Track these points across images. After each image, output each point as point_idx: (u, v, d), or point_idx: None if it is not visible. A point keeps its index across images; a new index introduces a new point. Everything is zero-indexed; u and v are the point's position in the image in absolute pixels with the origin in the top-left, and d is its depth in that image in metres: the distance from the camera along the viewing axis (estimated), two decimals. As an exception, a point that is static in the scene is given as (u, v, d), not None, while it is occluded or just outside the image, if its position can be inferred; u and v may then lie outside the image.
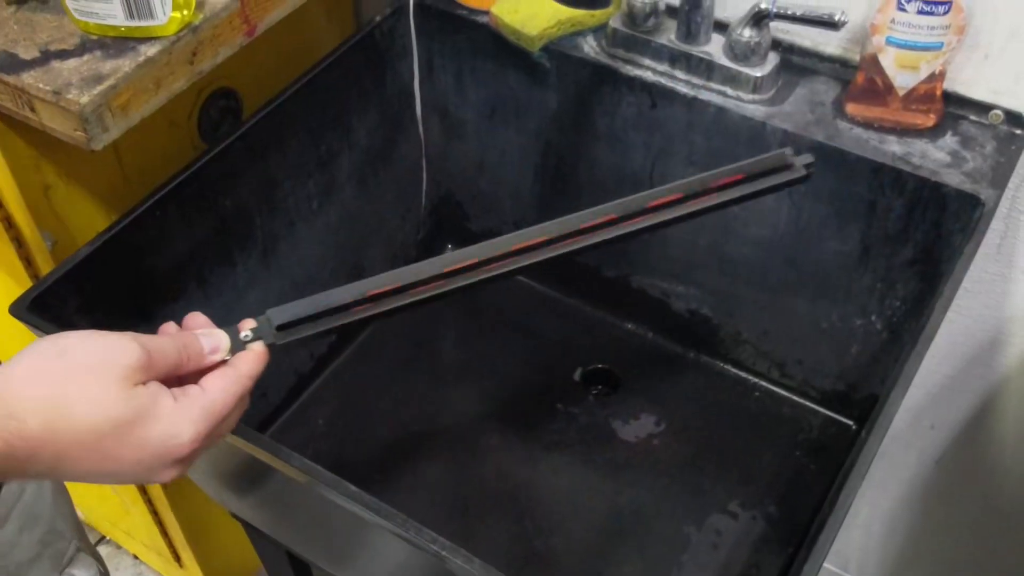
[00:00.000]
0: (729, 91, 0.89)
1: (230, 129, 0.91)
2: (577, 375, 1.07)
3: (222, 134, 0.93)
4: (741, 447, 1.00)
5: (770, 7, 0.83)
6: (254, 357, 0.57)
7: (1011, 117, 0.85)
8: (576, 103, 0.96)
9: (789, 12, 0.83)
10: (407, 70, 1.03)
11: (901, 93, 0.84)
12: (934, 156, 0.83)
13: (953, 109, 0.87)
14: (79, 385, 0.49)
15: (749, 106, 0.88)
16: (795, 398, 1.04)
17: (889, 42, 0.82)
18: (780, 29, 0.90)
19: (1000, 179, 0.81)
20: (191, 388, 0.54)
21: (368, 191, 1.04)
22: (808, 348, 1.00)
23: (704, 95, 0.89)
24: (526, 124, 1.02)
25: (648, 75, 0.91)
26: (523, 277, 1.14)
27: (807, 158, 0.70)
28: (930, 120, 0.86)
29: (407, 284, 0.64)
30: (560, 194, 1.05)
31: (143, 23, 0.78)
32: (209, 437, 0.53)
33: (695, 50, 0.89)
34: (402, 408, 1.05)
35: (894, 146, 0.84)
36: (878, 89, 0.85)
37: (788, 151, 0.70)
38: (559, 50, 0.94)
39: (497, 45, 0.97)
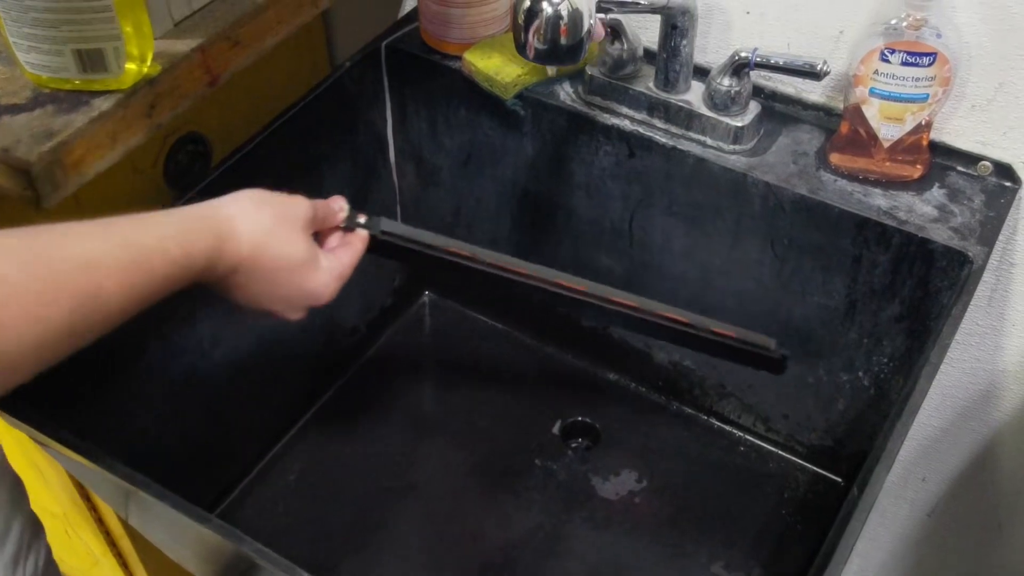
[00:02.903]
0: (709, 141, 0.86)
1: (198, 176, 0.88)
2: (556, 428, 1.03)
3: (191, 181, 0.90)
4: (725, 504, 0.97)
5: (750, 56, 0.80)
6: (363, 240, 0.72)
7: (1000, 169, 0.82)
8: (552, 151, 0.93)
9: (770, 61, 0.80)
10: (379, 116, 1.00)
11: (886, 145, 0.81)
12: (921, 210, 0.80)
13: (940, 160, 0.84)
14: (279, 230, 0.63)
15: (730, 157, 0.85)
16: (781, 453, 1.01)
17: (873, 93, 0.79)
18: (762, 75, 0.88)
19: (989, 235, 0.78)
20: (331, 256, 0.69)
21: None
22: (794, 402, 0.97)
23: (683, 145, 0.86)
24: (502, 172, 0.99)
25: (626, 124, 0.88)
26: (501, 324, 1.11)
27: (786, 352, 0.79)
28: (916, 171, 0.83)
29: (497, 264, 0.77)
30: (538, 243, 1.02)
31: (97, 76, 0.75)
32: (336, 293, 0.69)
33: (674, 98, 0.86)
34: (376, 462, 1.01)
35: (879, 199, 0.81)
36: (862, 140, 0.82)
37: (773, 343, 0.79)
38: (534, 97, 0.92)
39: (471, 91, 0.94)
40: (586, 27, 0.74)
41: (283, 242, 0.64)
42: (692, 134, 0.86)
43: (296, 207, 0.66)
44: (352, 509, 0.97)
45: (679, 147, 0.86)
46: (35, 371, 0.50)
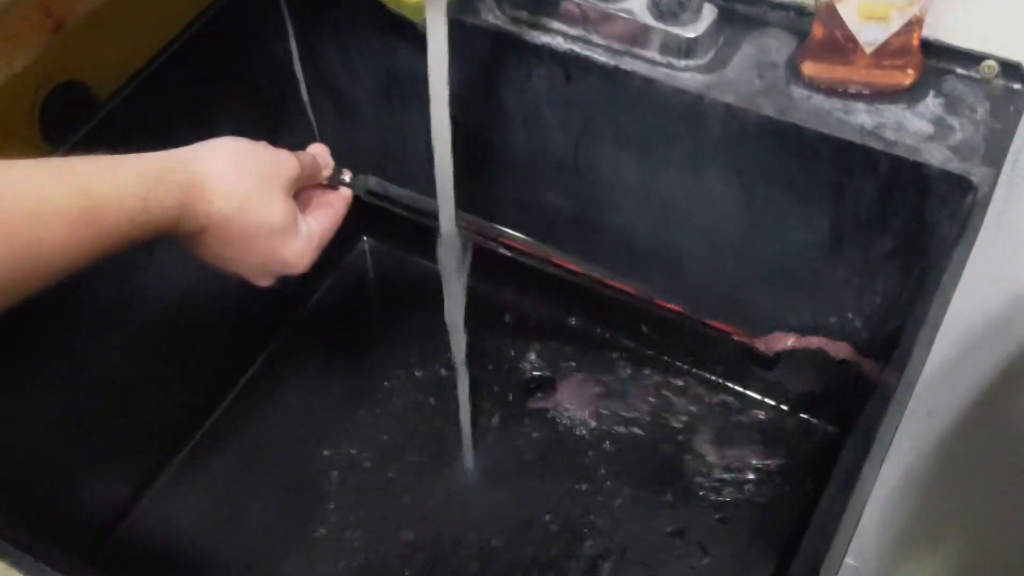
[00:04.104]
0: (657, 57, 0.72)
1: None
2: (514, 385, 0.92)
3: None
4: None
5: (698, -49, 0.66)
6: (345, 202, 0.66)
7: (1007, 69, 0.68)
8: (479, 78, 0.80)
9: (723, -45, 0.66)
10: (282, 47, 0.86)
11: (868, 50, 0.67)
12: (913, 127, 0.67)
13: (935, 62, 0.70)
14: (259, 191, 0.56)
15: (683, 75, 0.71)
16: (768, 401, 0.89)
17: (848, -12, 0.65)
18: (719, -28, 0.73)
19: (996, 153, 0.65)
20: (311, 221, 0.61)
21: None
22: (777, 347, 0.85)
23: (627, 63, 0.72)
24: (428, 104, 0.85)
25: (559, 42, 0.74)
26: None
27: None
28: (907, 78, 0.69)
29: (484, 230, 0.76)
30: (475, 181, 0.88)
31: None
32: (312, 263, 0.61)
33: (612, 7, 0.72)
34: (315, 438, 0.91)
35: (863, 116, 0.68)
36: (840, 44, 0.68)
37: None
38: (452, 16, 0.77)
39: (381, 14, 0.80)
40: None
41: (262, 205, 0.57)
42: (637, 50, 0.72)
43: (282, 166, 0.59)
44: (289, 494, 0.87)
45: (622, 66, 0.72)
46: None
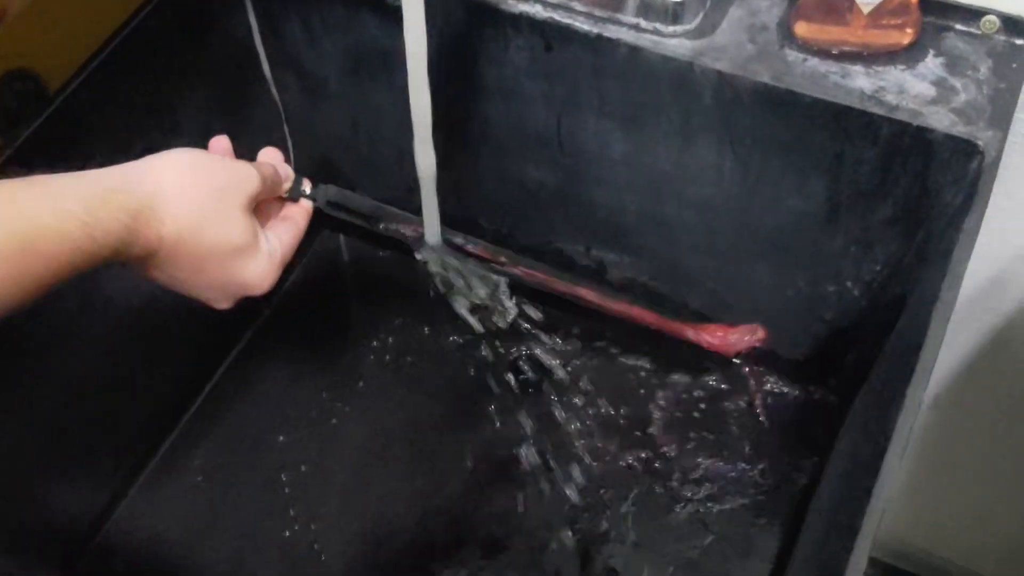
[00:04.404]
0: (643, 23, 0.68)
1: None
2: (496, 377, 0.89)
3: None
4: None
5: (684, -90, 0.62)
6: (306, 215, 0.62)
7: (1009, 24, 0.65)
8: (454, 50, 0.75)
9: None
10: (241, 23, 0.81)
11: (866, 10, 0.63)
12: (914, 89, 0.64)
13: (933, 19, 0.67)
14: (217, 209, 0.52)
15: (670, 41, 0.67)
16: (761, 370, 0.87)
17: (845, -55, 0.61)
18: (703, -70, 0.69)
19: (1001, 114, 0.62)
20: (272, 238, 0.57)
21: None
22: (772, 318, 0.82)
23: (611, 31, 0.68)
24: (400, 78, 0.79)
25: (538, 10, 0.70)
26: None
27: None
28: (906, 37, 0.65)
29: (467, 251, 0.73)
30: (453, 158, 0.84)
31: None
32: (276, 282, 0.57)
33: (594, -28, 0.68)
34: (294, 433, 0.87)
35: (861, 80, 0.64)
36: (835, 3, 0.65)
37: None
38: (423, -14, 0.73)
39: (345, -15, 0.75)
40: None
41: (219, 224, 0.53)
42: (621, 16, 0.68)
43: (241, 180, 0.55)
44: (268, 493, 0.84)
45: (605, 34, 0.68)
46: None
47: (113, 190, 0.48)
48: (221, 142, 0.60)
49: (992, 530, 1.11)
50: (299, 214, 0.61)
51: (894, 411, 0.51)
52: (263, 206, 0.59)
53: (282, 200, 0.62)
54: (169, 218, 0.50)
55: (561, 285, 0.80)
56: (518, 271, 0.77)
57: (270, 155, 0.63)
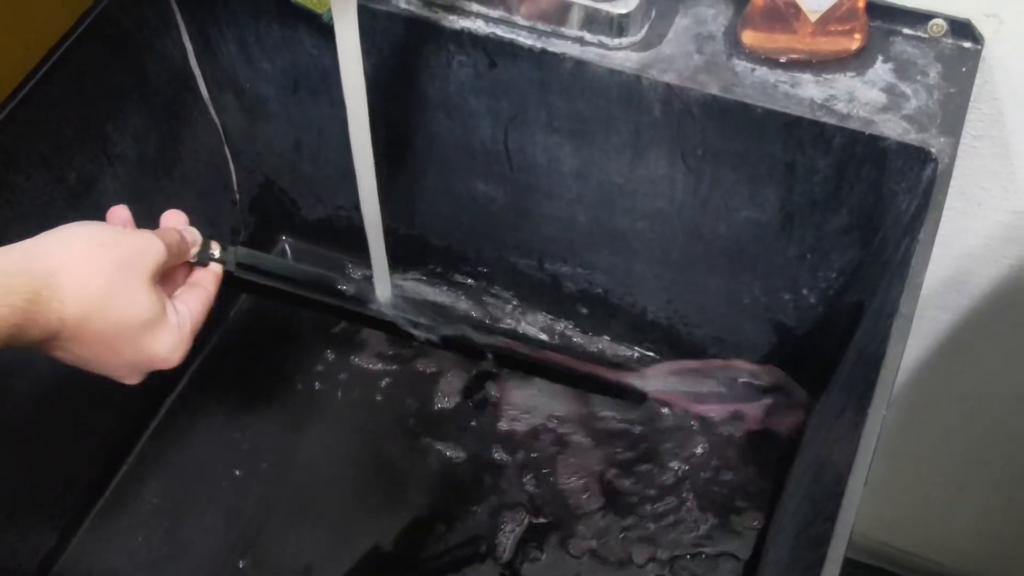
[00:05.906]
0: (587, 36, 0.67)
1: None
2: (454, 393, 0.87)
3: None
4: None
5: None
6: (216, 279, 0.59)
7: (956, 27, 0.65)
8: (395, 68, 0.73)
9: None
10: (175, 44, 0.79)
11: (813, 18, 0.62)
12: (865, 96, 0.63)
13: (880, 23, 0.66)
14: (120, 284, 0.49)
15: (616, 55, 0.66)
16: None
17: (789, -48, 0.60)
18: (645, -62, 0.68)
19: (953, 119, 0.62)
20: (180, 307, 0.54)
21: (152, 208, 0.80)
22: (728, 325, 0.81)
23: (555, 45, 0.67)
24: (340, 96, 0.78)
25: (479, 25, 0.68)
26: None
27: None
28: (854, 43, 0.65)
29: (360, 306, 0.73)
30: (399, 174, 0.83)
31: None
32: (187, 353, 0.54)
33: (536, -15, 0.66)
34: (250, 459, 0.85)
35: (811, 88, 0.64)
36: (781, 11, 0.64)
37: None
38: (360, 3, 0.70)
39: (280, 6, 0.73)
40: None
41: (124, 300, 0.50)
42: (564, 30, 0.67)
43: (144, 251, 0.51)
44: (221, 523, 0.82)
45: (550, 48, 0.67)
46: None
47: (5, 273, 0.45)
48: (120, 212, 0.57)
49: (951, 523, 1.12)
50: (208, 279, 0.58)
51: (857, 434, 0.50)
52: (170, 272, 0.57)
53: (190, 265, 0.58)
54: (70, 298, 0.47)
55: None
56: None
57: (174, 219, 0.59)
